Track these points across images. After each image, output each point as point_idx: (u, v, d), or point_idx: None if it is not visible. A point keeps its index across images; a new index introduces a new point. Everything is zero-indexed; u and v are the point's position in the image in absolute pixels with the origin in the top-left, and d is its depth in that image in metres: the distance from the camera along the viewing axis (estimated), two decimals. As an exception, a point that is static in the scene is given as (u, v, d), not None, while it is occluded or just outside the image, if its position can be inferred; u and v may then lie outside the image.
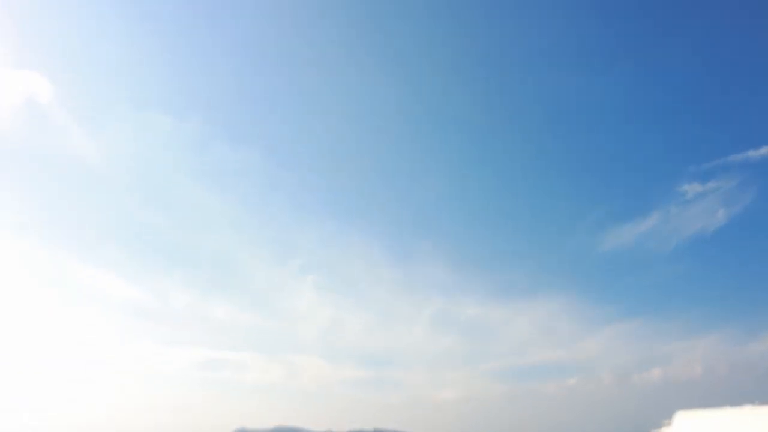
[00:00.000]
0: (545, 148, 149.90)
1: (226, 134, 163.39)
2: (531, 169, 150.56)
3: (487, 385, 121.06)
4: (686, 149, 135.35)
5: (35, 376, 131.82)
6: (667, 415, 26.96)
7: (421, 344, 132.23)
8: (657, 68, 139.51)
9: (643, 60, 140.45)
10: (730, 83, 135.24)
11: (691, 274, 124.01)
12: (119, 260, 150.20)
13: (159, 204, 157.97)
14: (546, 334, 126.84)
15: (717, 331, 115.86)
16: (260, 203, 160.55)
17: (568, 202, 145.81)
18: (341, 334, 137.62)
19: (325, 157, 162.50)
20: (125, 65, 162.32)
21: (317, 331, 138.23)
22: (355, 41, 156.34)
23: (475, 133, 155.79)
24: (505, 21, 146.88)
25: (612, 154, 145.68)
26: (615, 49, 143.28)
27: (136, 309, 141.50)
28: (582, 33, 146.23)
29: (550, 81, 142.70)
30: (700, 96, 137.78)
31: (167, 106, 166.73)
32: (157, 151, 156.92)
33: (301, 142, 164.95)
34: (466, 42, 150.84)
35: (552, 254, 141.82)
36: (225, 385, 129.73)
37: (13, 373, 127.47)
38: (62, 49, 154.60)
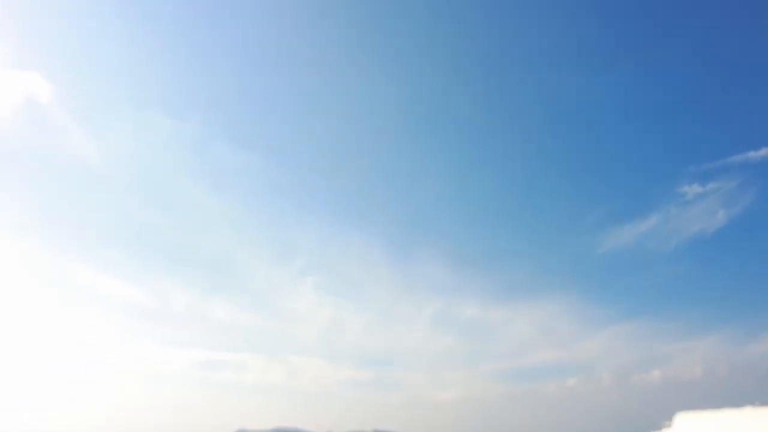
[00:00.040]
0: (545, 148, 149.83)
1: (226, 135, 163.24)
2: (531, 169, 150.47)
3: (487, 386, 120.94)
4: (686, 150, 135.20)
5: (35, 376, 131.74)
6: (667, 416, 26.98)
7: (421, 345, 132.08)
8: (657, 69, 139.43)
9: (643, 60, 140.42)
10: (730, 84, 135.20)
11: (691, 274, 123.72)
12: (119, 260, 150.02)
13: (159, 204, 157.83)
14: (546, 334, 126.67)
15: (717, 332, 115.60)
16: (260, 204, 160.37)
17: (568, 203, 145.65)
18: (341, 335, 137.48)
19: (325, 158, 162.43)
20: (125, 65, 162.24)
21: (317, 331, 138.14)
22: (355, 42, 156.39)
23: (475, 134, 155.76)
24: (505, 21, 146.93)
25: (612, 154, 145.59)
26: (615, 49, 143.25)
27: (136, 309, 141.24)
28: (582, 33, 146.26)
29: (551, 81, 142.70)
30: (700, 97, 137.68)
31: (167, 106, 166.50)
32: (157, 152, 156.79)
33: (302, 143, 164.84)
34: (466, 42, 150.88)
35: (552, 255, 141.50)
36: (225, 385, 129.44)
37: (13, 373, 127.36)
38: (62, 50, 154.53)
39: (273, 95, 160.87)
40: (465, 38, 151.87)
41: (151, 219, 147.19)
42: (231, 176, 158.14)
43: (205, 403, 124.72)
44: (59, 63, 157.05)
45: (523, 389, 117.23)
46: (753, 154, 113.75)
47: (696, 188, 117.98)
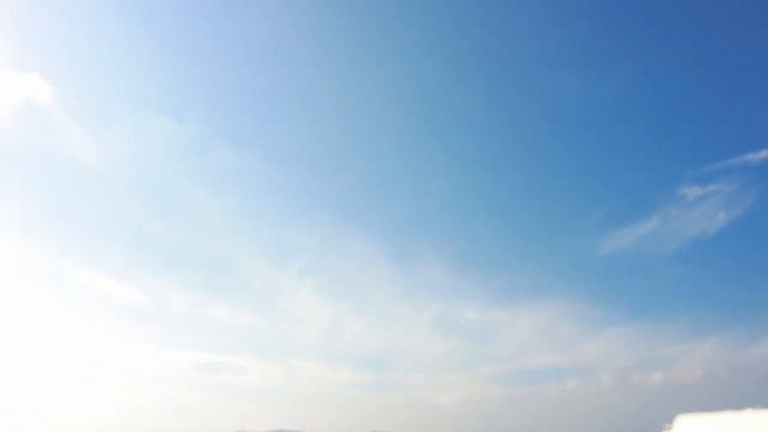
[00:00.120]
0: (545, 149, 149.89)
1: (226, 136, 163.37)
2: (532, 170, 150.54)
3: (487, 388, 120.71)
4: (686, 152, 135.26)
5: (34, 376, 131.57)
6: (667, 419, 26.83)
7: (421, 347, 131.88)
8: (657, 70, 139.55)
9: (643, 61, 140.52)
10: (729, 85, 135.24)
11: (691, 277, 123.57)
12: (119, 262, 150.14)
13: (158, 205, 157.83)
14: (546, 336, 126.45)
15: (718, 335, 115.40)
16: (260, 205, 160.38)
17: (568, 205, 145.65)
18: (341, 337, 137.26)
19: (325, 159, 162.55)
20: (125, 66, 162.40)
21: (317, 333, 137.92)
22: (355, 42, 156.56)
23: (475, 135, 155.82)
24: (506, 21, 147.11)
25: (612, 156, 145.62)
26: (615, 50, 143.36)
27: (135, 311, 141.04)
28: (582, 34, 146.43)
29: (551, 83, 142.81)
30: (700, 98, 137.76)
31: (167, 107, 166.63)
32: (156, 153, 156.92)
33: (302, 144, 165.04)
34: (467, 43, 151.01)
35: (552, 257, 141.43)
36: (224, 387, 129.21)
37: (12, 373, 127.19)
38: (62, 50, 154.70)
39: (273, 96, 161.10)
40: (465, 39, 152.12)
41: (151, 220, 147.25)
42: (231, 177, 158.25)
43: (204, 405, 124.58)
44: (59, 64, 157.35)
45: (523, 391, 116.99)
46: (753, 156, 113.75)
47: (696, 190, 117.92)
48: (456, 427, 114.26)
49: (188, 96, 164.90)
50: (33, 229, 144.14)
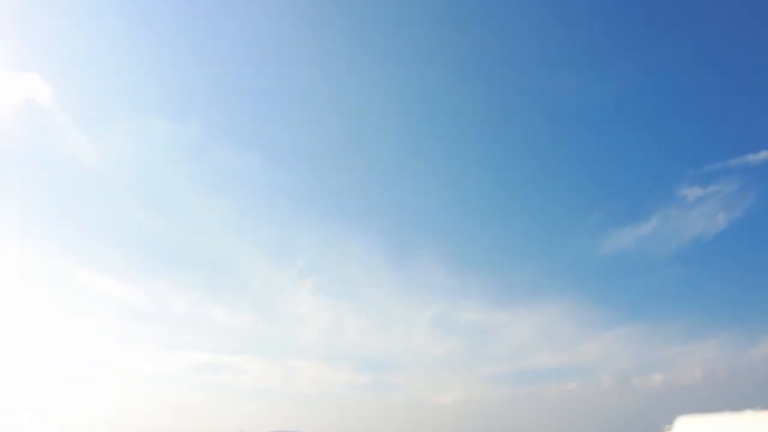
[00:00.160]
0: (545, 150, 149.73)
1: (226, 137, 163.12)
2: (531, 171, 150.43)
3: (487, 389, 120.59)
4: (686, 152, 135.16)
5: (34, 377, 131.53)
6: (667, 420, 26.79)
7: (421, 347, 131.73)
8: (657, 70, 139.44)
9: (643, 62, 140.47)
10: (729, 86, 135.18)
11: (691, 277, 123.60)
12: (118, 262, 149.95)
13: (158, 206, 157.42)
14: (546, 337, 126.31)
15: (718, 336, 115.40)
16: (260, 205, 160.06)
17: (568, 205, 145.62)
18: (340, 337, 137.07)
19: (325, 160, 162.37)
20: (125, 67, 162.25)
21: (316, 334, 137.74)
22: (355, 43, 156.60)
23: (475, 136, 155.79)
24: (506, 22, 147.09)
25: (612, 156, 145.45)
26: (614, 50, 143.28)
27: (135, 312, 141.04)
28: (581, 34, 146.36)
29: (551, 83, 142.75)
30: (700, 99, 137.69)
31: (167, 108, 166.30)
32: (156, 154, 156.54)
33: (302, 145, 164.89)
34: (466, 43, 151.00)
35: (552, 257, 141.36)
36: (224, 388, 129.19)
37: (12, 374, 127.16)
38: (62, 51, 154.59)
39: (273, 97, 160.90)
40: (465, 40, 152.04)
41: (151, 220, 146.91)
42: (230, 178, 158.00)
43: (203, 405, 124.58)
44: (59, 64, 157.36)
45: (523, 392, 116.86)
46: (753, 157, 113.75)
47: (696, 191, 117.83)
48: (456, 428, 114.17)
49: (188, 97, 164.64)
50: (32, 230, 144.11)
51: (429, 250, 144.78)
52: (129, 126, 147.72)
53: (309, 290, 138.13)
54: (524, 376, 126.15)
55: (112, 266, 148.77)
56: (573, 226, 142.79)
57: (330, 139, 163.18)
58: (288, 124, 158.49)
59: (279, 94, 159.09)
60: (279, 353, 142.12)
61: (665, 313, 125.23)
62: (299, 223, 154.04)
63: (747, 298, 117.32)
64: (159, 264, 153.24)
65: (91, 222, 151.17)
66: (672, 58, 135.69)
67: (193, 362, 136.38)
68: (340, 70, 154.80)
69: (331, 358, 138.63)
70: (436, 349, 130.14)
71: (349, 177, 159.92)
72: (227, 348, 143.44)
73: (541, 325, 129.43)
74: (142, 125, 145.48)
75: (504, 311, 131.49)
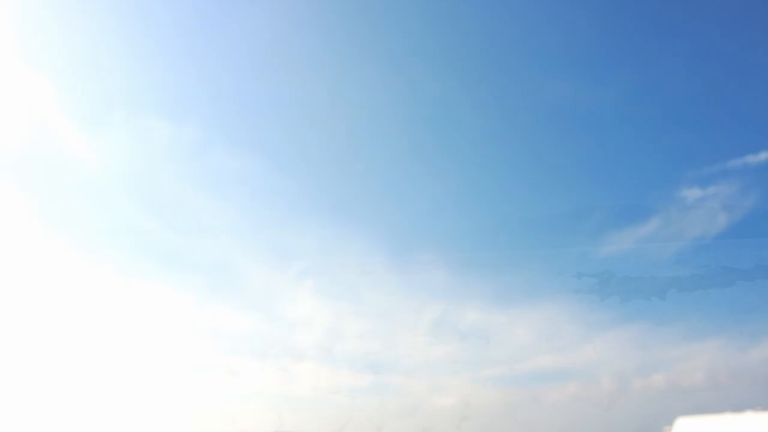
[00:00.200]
0: (545, 151, 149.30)
1: (225, 139, 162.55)
2: (531, 172, 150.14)
3: (487, 391, 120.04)
4: (686, 153, 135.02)
5: (34, 377, 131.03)
6: (667, 421, 26.55)
7: (421, 349, 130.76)
8: (656, 72, 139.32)
9: (642, 63, 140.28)
10: (729, 87, 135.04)
11: (691, 278, 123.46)
12: (116, 264, 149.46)
13: (155, 208, 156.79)
14: (546, 338, 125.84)
15: (718, 337, 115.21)
16: (258, 207, 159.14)
17: (568, 206, 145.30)
18: (339, 339, 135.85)
19: (323, 161, 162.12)
20: (123, 68, 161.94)
21: (315, 336, 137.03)
22: (356, 44, 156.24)
23: (474, 136, 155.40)
24: (505, 22, 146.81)
25: (611, 157, 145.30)
26: (614, 52, 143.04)
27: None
28: (581, 35, 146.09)
29: (550, 84, 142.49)
30: (700, 99, 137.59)
31: (166, 110, 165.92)
32: (155, 156, 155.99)
33: (301, 147, 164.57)
34: (467, 45, 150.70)
35: (553, 258, 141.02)
36: (222, 390, 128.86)
37: (12, 375, 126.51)
38: (62, 50, 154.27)
39: (272, 98, 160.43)
40: (465, 41, 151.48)
41: (148, 223, 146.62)
42: (230, 180, 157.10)
43: (200, 407, 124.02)
44: (58, 64, 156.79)
45: (523, 394, 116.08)
46: (752, 158, 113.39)
47: (696, 192, 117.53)
48: (456, 430, 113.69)
49: (187, 99, 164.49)
50: (29, 231, 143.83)
51: (428, 252, 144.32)
52: (127, 127, 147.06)
53: (308, 291, 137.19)
54: (525, 377, 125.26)
55: (109, 268, 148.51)
56: (573, 227, 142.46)
57: (329, 140, 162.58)
58: (287, 125, 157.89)
59: (278, 95, 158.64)
60: (277, 355, 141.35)
61: (666, 314, 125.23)
62: (299, 225, 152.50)
63: (747, 299, 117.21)
64: (157, 266, 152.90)
65: (87, 224, 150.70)
66: (671, 59, 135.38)
67: (191, 364, 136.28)
68: (339, 73, 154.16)
69: (329, 360, 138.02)
70: (436, 351, 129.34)
71: (349, 179, 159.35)
72: (225, 350, 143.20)
73: (542, 326, 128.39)
74: (141, 126, 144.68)
75: (504, 313, 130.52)
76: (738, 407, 2.61)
